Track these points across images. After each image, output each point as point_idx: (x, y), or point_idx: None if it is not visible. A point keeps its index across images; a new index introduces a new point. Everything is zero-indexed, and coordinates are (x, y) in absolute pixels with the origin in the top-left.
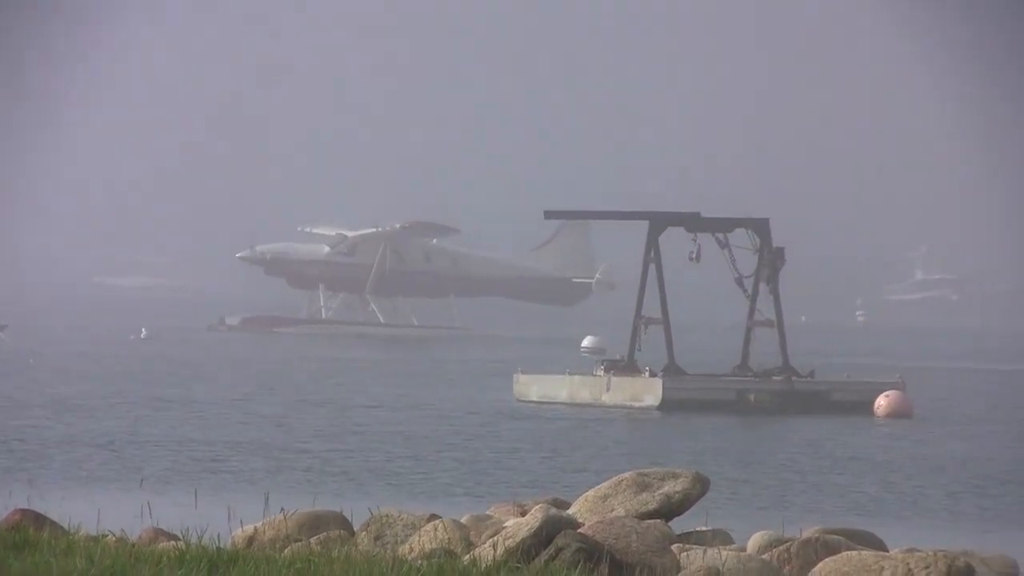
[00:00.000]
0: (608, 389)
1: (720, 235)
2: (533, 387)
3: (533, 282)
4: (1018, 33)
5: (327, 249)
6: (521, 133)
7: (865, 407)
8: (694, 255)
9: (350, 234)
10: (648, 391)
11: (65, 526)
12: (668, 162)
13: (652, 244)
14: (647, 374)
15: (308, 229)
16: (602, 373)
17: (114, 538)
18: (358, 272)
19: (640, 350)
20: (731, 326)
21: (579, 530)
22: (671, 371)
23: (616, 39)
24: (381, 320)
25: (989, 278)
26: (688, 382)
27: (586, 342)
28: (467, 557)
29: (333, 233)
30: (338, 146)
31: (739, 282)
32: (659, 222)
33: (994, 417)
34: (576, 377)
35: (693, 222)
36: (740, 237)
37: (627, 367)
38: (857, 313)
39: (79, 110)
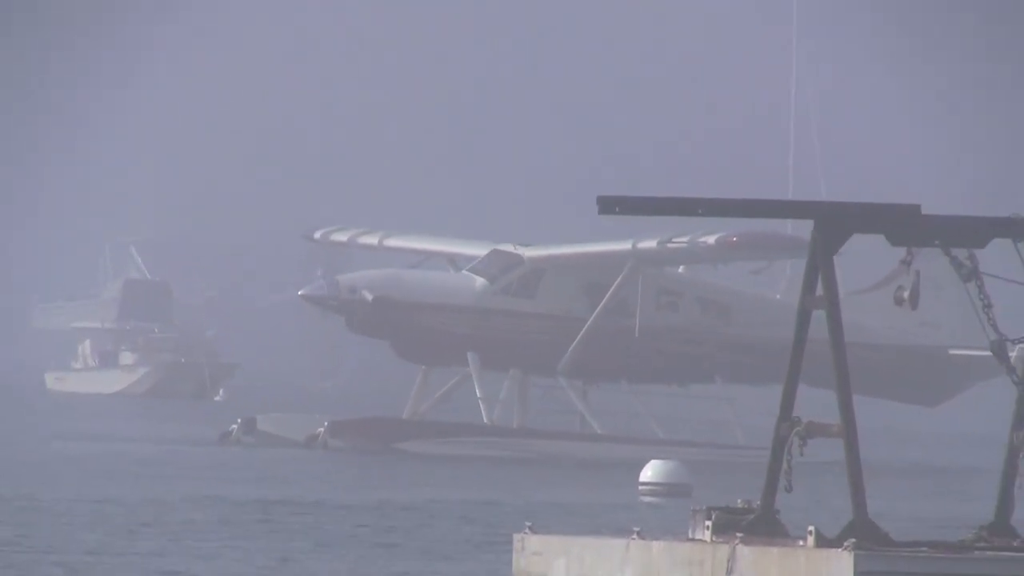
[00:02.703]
0: (730, 572)
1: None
2: (554, 561)
3: None
4: None
5: (480, 283)
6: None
7: None
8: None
9: (528, 251)
10: None
11: None
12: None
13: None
14: (810, 538)
15: (383, 241)
16: (708, 534)
17: None
18: (555, 331)
19: (789, 489)
20: None
21: None
22: (868, 534)
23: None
24: (598, 430)
25: None
26: (902, 562)
27: (648, 471)
28: None
29: (481, 251)
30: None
31: None
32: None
33: None
34: (651, 545)
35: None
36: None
37: (762, 523)
38: None
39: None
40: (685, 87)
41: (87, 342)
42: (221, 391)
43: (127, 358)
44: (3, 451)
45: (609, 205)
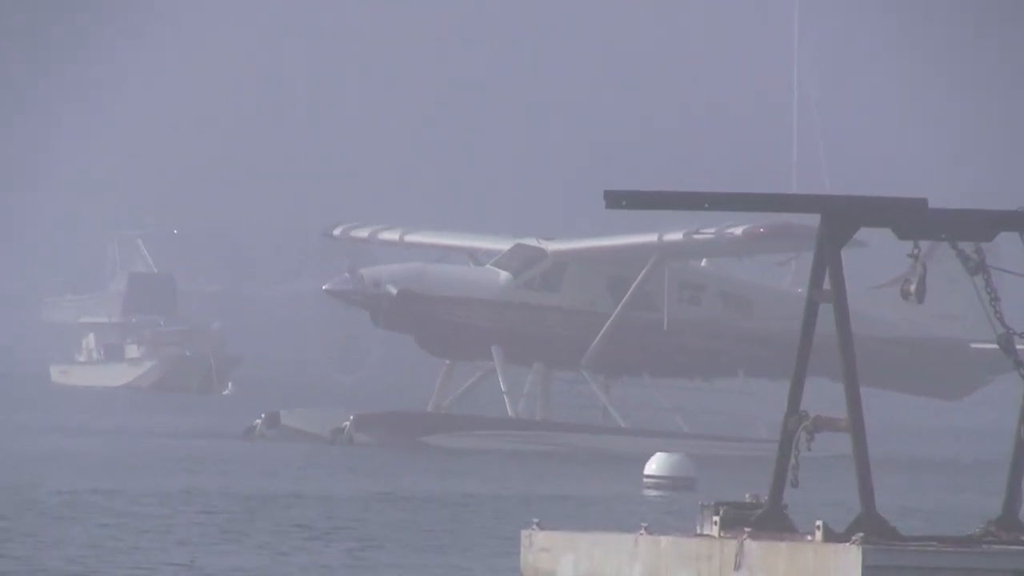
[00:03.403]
0: (738, 567)
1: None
2: (562, 557)
3: None
4: None
5: (504, 277)
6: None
7: None
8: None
9: (552, 245)
10: (831, 574)
11: None
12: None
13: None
14: (818, 533)
15: (403, 236)
16: (716, 529)
17: None
18: (579, 324)
19: (796, 484)
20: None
21: None
22: (876, 528)
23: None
24: (623, 424)
25: None
26: (909, 556)
27: (653, 464)
28: None
29: (503, 246)
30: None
31: None
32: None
33: None
34: (660, 540)
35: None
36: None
37: (770, 518)
38: None
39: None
40: (686, 87)
41: (91, 335)
42: (230, 384)
43: (133, 351)
44: (8, 443)
45: (616, 199)
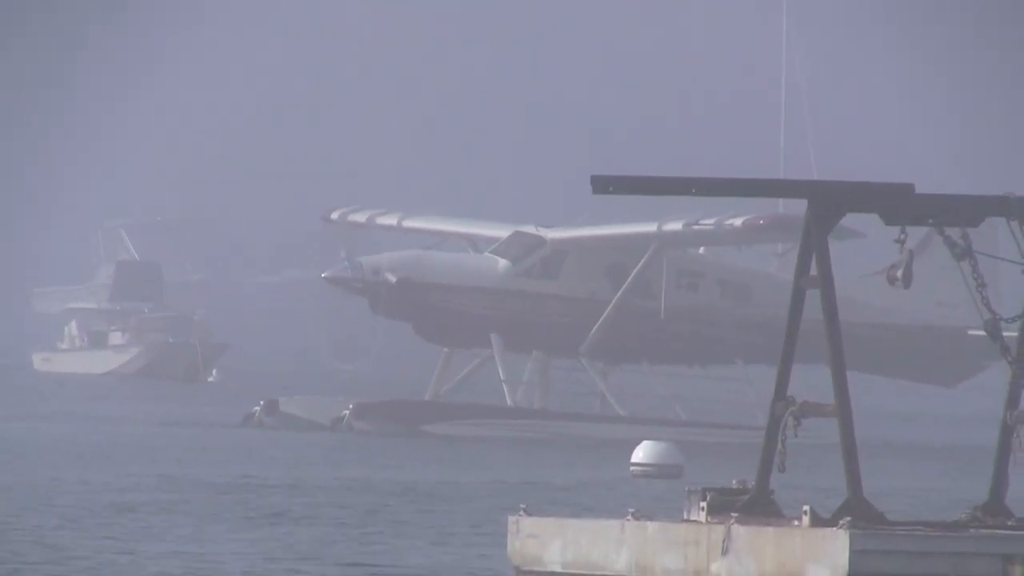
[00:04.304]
0: (725, 552)
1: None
2: (549, 543)
3: None
4: None
5: (503, 264)
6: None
7: None
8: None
9: (551, 233)
10: (818, 559)
11: None
12: None
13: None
14: (805, 518)
15: (402, 222)
16: (703, 515)
17: None
18: (578, 312)
19: (782, 469)
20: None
21: None
22: (863, 513)
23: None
24: (621, 412)
25: None
26: (897, 540)
27: (640, 451)
28: None
29: (502, 233)
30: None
31: None
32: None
33: None
34: (647, 526)
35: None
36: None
37: (757, 503)
38: None
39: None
40: (686, 86)
41: (73, 322)
42: (214, 372)
43: (116, 338)
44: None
45: (603, 184)
